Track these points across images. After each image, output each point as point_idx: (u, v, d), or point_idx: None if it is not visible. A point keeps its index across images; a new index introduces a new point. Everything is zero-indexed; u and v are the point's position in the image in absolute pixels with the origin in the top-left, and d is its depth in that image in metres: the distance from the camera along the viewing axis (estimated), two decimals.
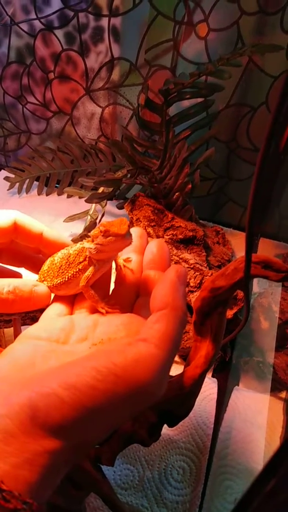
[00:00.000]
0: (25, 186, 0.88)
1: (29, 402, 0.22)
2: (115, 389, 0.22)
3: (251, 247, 0.25)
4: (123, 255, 0.37)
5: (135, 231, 0.38)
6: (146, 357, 0.24)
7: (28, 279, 0.38)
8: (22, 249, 0.40)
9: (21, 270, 0.42)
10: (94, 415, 0.22)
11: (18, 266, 0.41)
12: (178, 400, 0.35)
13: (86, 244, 0.35)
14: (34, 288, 0.36)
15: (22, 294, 0.35)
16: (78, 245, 0.37)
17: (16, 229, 0.37)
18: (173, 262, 0.61)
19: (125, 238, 0.33)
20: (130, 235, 0.33)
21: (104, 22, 0.71)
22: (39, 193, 0.88)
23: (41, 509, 0.21)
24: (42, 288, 0.37)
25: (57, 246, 0.39)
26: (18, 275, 0.41)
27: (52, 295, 0.39)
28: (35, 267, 0.41)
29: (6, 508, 0.20)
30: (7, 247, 0.39)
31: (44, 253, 0.40)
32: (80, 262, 0.36)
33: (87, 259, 0.36)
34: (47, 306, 0.38)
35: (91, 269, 0.35)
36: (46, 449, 0.21)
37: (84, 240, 0.37)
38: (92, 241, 0.34)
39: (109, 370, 0.23)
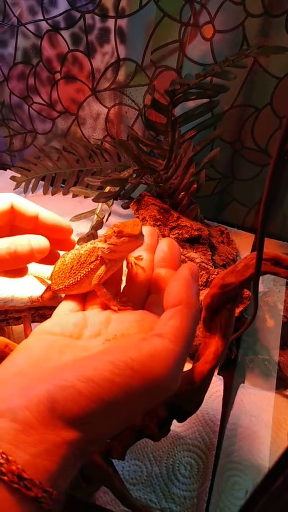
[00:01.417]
0: (31, 185, 0.88)
1: (48, 395, 0.22)
2: (131, 383, 0.23)
3: (262, 243, 0.26)
4: (134, 253, 0.38)
5: (146, 230, 0.38)
6: (162, 352, 0.24)
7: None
8: (25, 233, 0.39)
9: None
10: (111, 407, 0.23)
11: None
12: (187, 395, 0.36)
13: (99, 243, 0.36)
14: (31, 241, 0.36)
15: (22, 249, 0.35)
16: (89, 245, 0.37)
17: (13, 211, 0.37)
18: None
19: (138, 238, 0.33)
20: (143, 235, 0.34)
21: (110, 23, 0.72)
22: (45, 193, 0.89)
23: (61, 498, 0.22)
24: (39, 238, 0.37)
25: (53, 228, 0.39)
26: (25, 270, 0.41)
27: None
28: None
29: (27, 496, 0.20)
30: (10, 232, 0.39)
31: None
32: (92, 262, 0.36)
33: (98, 258, 0.36)
34: (58, 303, 0.38)
35: (103, 268, 0.36)
36: (64, 440, 0.22)
37: (95, 240, 0.37)
38: (105, 241, 0.35)
39: (126, 364, 0.23)
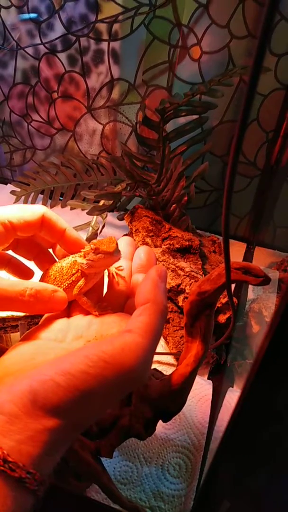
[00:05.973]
0: (30, 199, 0.92)
1: (30, 388, 0.25)
2: (104, 374, 0.26)
3: (228, 253, 0.28)
4: (115, 263, 0.41)
5: (124, 240, 0.41)
6: (131, 346, 0.27)
7: (48, 284, 0.39)
8: (39, 241, 0.41)
9: (31, 264, 0.43)
10: (87, 396, 0.26)
11: (30, 259, 0.43)
12: (170, 396, 0.38)
13: (79, 259, 0.38)
14: (53, 294, 0.37)
15: (42, 298, 0.36)
16: (71, 258, 0.40)
17: (43, 222, 0.39)
18: (169, 270, 0.65)
19: (114, 255, 0.36)
20: (119, 251, 0.37)
21: (104, 45, 0.76)
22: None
23: (44, 480, 0.24)
24: (61, 294, 0.38)
25: (76, 245, 0.40)
26: (31, 273, 0.43)
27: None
28: (43, 263, 0.43)
29: (12, 476, 0.23)
30: (25, 239, 0.41)
31: (58, 248, 0.42)
32: (73, 274, 0.39)
33: (79, 271, 0.39)
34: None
35: (83, 280, 0.38)
36: (46, 427, 0.24)
37: (76, 254, 0.40)
38: (84, 257, 0.38)
39: (99, 357, 0.26)
